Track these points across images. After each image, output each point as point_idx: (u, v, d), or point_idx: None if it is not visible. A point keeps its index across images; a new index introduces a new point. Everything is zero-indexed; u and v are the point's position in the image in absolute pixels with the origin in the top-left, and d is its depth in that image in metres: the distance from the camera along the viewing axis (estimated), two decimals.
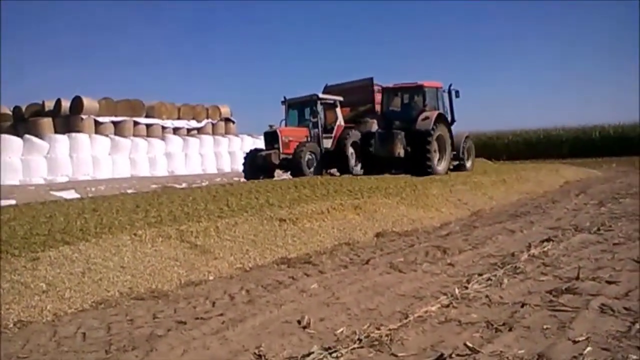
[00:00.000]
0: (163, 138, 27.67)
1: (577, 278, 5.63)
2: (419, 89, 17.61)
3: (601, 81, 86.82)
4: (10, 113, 27.55)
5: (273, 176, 16.49)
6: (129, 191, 15.88)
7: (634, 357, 3.51)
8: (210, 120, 30.76)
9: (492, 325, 4.32)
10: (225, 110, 31.68)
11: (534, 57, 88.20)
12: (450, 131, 17.83)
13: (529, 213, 11.49)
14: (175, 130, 28.98)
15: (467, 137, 19.26)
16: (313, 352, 3.86)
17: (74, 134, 23.92)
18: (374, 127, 17.71)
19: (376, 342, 4.05)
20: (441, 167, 17.10)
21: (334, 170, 17.50)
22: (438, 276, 6.15)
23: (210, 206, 8.90)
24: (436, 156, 16.97)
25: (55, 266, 5.96)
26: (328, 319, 4.69)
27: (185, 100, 31.91)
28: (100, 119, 25.63)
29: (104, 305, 5.51)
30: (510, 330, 4.19)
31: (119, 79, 74.56)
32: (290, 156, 16.08)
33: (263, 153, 16.70)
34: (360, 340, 4.09)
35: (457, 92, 18.12)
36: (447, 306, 4.91)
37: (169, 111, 29.03)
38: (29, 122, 25.08)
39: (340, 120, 18.04)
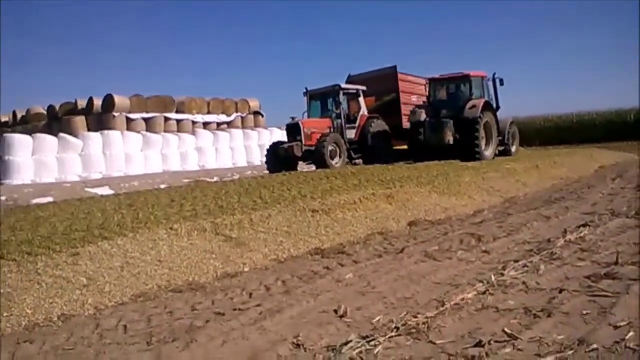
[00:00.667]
0: (194, 133, 27.93)
1: (617, 263, 5.54)
2: (465, 79, 18.46)
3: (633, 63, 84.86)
4: (45, 112, 28.11)
5: (296, 169, 16.37)
6: (162, 186, 16.10)
7: None
8: (239, 114, 30.93)
9: (530, 311, 4.29)
10: (254, 104, 31.82)
11: (563, 40, 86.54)
12: (496, 118, 18.72)
13: (564, 199, 11.34)
14: (206, 125, 29.24)
15: (511, 123, 20.36)
16: (351, 341, 3.88)
17: (106, 132, 24.28)
18: (423, 116, 18.11)
19: (414, 330, 4.06)
20: (489, 152, 18.07)
21: (359, 161, 17.45)
22: (473, 264, 6.12)
23: (243, 199, 8.98)
24: (483, 142, 17.84)
25: (95, 261, 6.08)
26: (365, 308, 4.70)
27: (214, 94, 32.20)
28: (131, 116, 26.00)
29: (144, 298, 5.61)
30: (549, 316, 4.16)
31: (149, 76, 75.29)
32: (313, 148, 16.00)
33: (285, 145, 16.60)
34: (397, 328, 4.10)
35: (501, 80, 19.01)
36: (484, 293, 4.88)
37: (199, 106, 29.27)
38: (63, 121, 25.54)
39: (364, 110, 17.98)
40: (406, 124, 19.48)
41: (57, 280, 5.59)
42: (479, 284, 5.15)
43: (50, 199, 14.25)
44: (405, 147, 20.44)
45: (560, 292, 4.75)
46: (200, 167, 26.42)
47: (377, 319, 4.38)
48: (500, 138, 19.08)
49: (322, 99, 18.13)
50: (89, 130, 24.71)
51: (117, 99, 25.62)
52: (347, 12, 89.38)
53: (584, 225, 7.79)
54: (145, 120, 26.57)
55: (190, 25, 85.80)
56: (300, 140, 16.17)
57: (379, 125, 17.88)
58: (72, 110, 26.66)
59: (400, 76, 19.85)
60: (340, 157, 16.25)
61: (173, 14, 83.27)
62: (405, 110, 19.83)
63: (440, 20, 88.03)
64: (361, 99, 18.10)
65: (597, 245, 6.53)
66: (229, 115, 30.39)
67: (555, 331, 3.84)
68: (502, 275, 5.42)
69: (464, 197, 11.44)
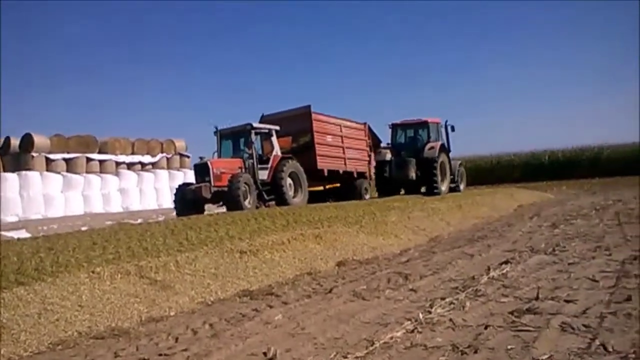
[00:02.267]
0: (117, 174, 27.28)
1: (537, 298, 5.74)
2: (424, 124, 21.64)
3: (549, 105, 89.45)
4: None
5: (203, 211, 15.77)
6: (83, 228, 15.51)
7: None
8: (165, 154, 30.47)
9: (457, 348, 4.35)
10: (180, 145, 31.43)
11: (481, 82, 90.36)
12: (449, 158, 21.72)
13: (486, 237, 11.70)
14: (130, 166, 28.62)
15: (460, 164, 23.40)
16: None
17: (24, 172, 23.38)
18: (388, 156, 21.17)
19: None
20: (444, 187, 20.96)
21: (272, 203, 16.78)
22: (401, 302, 6.18)
23: (169, 241, 8.76)
24: (439, 179, 20.54)
25: (9, 308, 5.75)
26: (294, 349, 4.64)
27: (139, 135, 31.61)
28: (51, 156, 25.13)
29: (62, 346, 5.34)
30: (475, 352, 4.22)
31: (70, 115, 73.01)
32: (223, 189, 15.14)
33: (193, 187, 15.52)
34: None
35: (452, 127, 22.14)
36: (412, 331, 4.92)
37: (123, 146, 28.66)
38: None
39: (277, 151, 17.42)
40: (321, 165, 19.26)
41: None
42: (407, 322, 5.19)
43: None
44: (321, 187, 20.47)
45: (486, 327, 4.85)
46: (123, 209, 25.78)
47: None
48: (452, 177, 21.90)
49: (233, 139, 17.41)
50: (5, 170, 23.71)
51: (36, 139, 24.75)
52: (273, 51, 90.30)
53: (506, 262, 8.05)
54: (66, 160, 25.74)
55: (113, 62, 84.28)
56: (209, 181, 15.21)
57: (292, 166, 17.26)
58: None
59: (314, 116, 19.26)
60: (250, 198, 15.48)
61: (95, 50, 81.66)
62: (320, 150, 19.34)
63: (353, 61, 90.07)
64: (274, 139, 17.46)
65: (518, 281, 6.75)
66: (153, 156, 29.88)
67: None
68: (430, 312, 5.49)
69: (391, 236, 11.61)
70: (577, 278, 6.67)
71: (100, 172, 26.91)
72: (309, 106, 19.33)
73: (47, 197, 23.51)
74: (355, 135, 22.02)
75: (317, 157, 19.09)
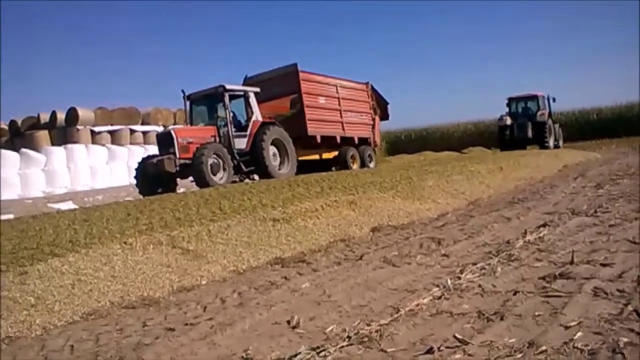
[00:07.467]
0: None
1: (572, 262, 5.54)
2: (534, 97, 29.02)
3: (598, 61, 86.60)
4: (7, 128, 27.57)
5: (174, 188, 13.90)
6: (127, 199, 15.79)
7: (625, 339, 3.42)
8: None
9: (483, 315, 4.24)
10: None
11: (526, 40, 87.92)
12: (553, 122, 28.85)
13: (527, 199, 11.41)
14: None
15: (559, 126, 30.87)
16: (300, 353, 3.78)
17: (70, 145, 23.99)
18: (509, 121, 28.49)
19: (365, 339, 3.97)
20: (551, 143, 27.72)
21: (256, 177, 15.16)
22: (432, 268, 6.07)
23: (202, 210, 8.81)
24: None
25: (44, 279, 5.88)
26: (318, 317, 4.61)
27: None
28: (96, 129, 25.71)
29: (95, 316, 5.44)
30: (501, 319, 4.11)
31: (113, 87, 74.18)
32: (189, 161, 13.22)
33: (154, 160, 13.47)
34: (349, 337, 4.01)
35: (554, 98, 28.99)
36: (439, 298, 4.82)
37: (165, 117, 29.02)
38: (26, 136, 25.16)
39: (257, 115, 15.36)
40: (312, 131, 17.32)
41: (3, 301, 5.38)
42: (435, 289, 5.08)
43: (10, 216, 13.90)
44: (316, 156, 18.81)
45: (515, 294, 4.71)
46: None
47: (329, 328, 4.29)
48: (554, 136, 28.53)
49: (206, 104, 15.44)
50: (53, 144, 24.37)
51: (81, 112, 25.31)
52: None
53: (544, 225, 7.81)
54: (110, 132, 26.31)
55: (155, 34, 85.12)
56: (174, 153, 13.22)
57: (276, 132, 15.24)
58: (35, 124, 26.27)
59: (301, 75, 17.28)
60: (224, 171, 13.64)
61: (138, 20, 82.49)
62: (310, 114, 17.38)
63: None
64: (252, 102, 15.39)
65: (554, 245, 6.54)
66: None
67: (507, 334, 3.79)
68: (459, 278, 5.37)
69: (428, 201, 11.43)
70: (616, 240, 6.41)
71: (144, 143, 27.36)
72: (295, 64, 17.43)
73: (92, 169, 24.12)
74: (355, 97, 20.08)
75: (307, 122, 17.21)
